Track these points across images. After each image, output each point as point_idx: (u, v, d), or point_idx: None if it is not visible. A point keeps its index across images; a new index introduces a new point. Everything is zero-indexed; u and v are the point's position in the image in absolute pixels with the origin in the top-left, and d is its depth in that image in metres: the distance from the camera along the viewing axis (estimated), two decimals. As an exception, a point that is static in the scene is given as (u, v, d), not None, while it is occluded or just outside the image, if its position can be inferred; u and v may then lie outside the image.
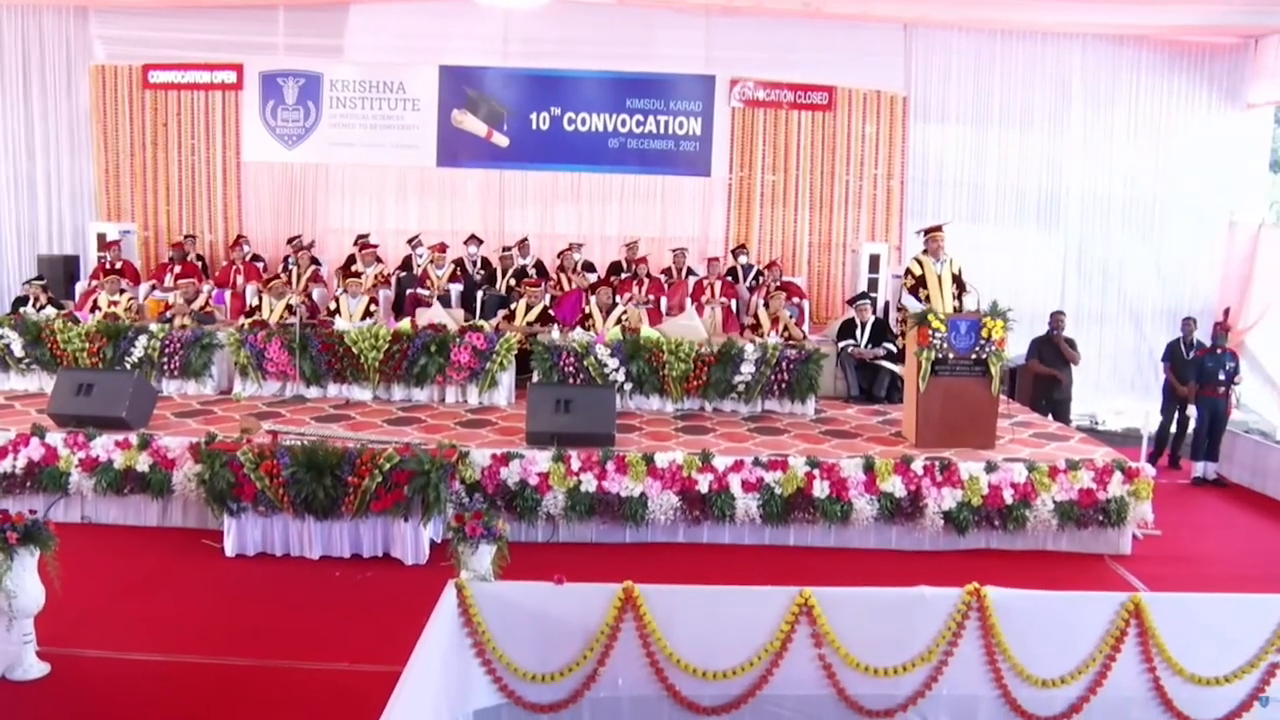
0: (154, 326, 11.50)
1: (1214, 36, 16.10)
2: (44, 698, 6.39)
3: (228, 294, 14.07)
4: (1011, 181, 16.59)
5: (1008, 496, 9.19)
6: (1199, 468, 12.38)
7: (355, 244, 15.04)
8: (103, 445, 9.31)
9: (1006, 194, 16.61)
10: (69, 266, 15.55)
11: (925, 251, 10.82)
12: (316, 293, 13.77)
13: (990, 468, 9.27)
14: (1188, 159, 16.46)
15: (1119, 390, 16.28)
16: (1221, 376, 12.32)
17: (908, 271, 10.96)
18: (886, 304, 14.54)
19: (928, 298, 10.52)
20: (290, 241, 15.41)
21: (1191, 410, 12.74)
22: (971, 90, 16.43)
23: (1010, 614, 6.16)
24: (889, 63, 16.33)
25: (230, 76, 16.50)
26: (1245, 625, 6.32)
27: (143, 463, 9.22)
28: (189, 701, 6.33)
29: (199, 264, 15.23)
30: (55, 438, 9.37)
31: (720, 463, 9.17)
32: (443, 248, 14.89)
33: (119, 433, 9.41)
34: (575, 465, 9.07)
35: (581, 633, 6.14)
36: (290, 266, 14.42)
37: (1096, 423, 15.59)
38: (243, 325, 11.76)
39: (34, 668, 6.58)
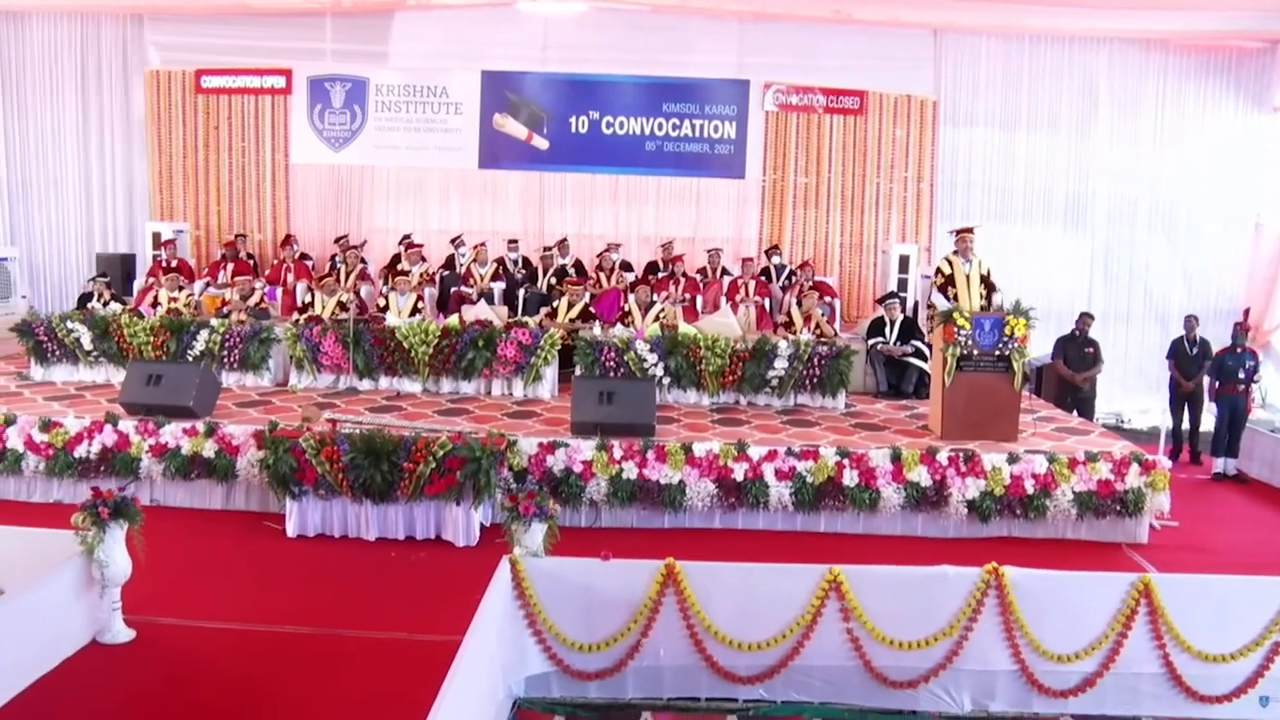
0: (214, 321, 12.08)
1: (1240, 41, 16.33)
2: (132, 660, 6.95)
3: (279, 291, 14.62)
4: (1039, 184, 16.88)
5: (1029, 486, 9.61)
6: (1219, 463, 12.70)
7: (400, 243, 15.54)
8: (171, 432, 9.88)
9: (1034, 196, 16.91)
10: (126, 265, 16.15)
11: (955, 252, 11.23)
12: (364, 290, 14.29)
13: (1012, 459, 9.69)
14: (1214, 162, 16.69)
15: (1144, 390, 16.50)
16: (1241, 375, 12.66)
17: (938, 270, 11.36)
18: (915, 303, 14.88)
19: (955, 296, 10.93)
20: (337, 241, 15.92)
21: (1209, 406, 13.11)
22: (1000, 94, 16.73)
23: (1027, 592, 6.57)
24: (919, 67, 16.69)
25: (279, 81, 17.04)
26: (1251, 605, 6.70)
27: (209, 449, 9.79)
28: (261, 665, 6.87)
29: (250, 262, 15.79)
30: (127, 425, 9.96)
31: (755, 452, 9.63)
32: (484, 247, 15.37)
33: (186, 421, 9.98)
34: (617, 454, 9.59)
35: (626, 606, 6.60)
36: (338, 265, 14.93)
37: (1122, 421, 15.86)
38: (297, 320, 12.31)
39: (122, 633, 7.15)
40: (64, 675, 6.68)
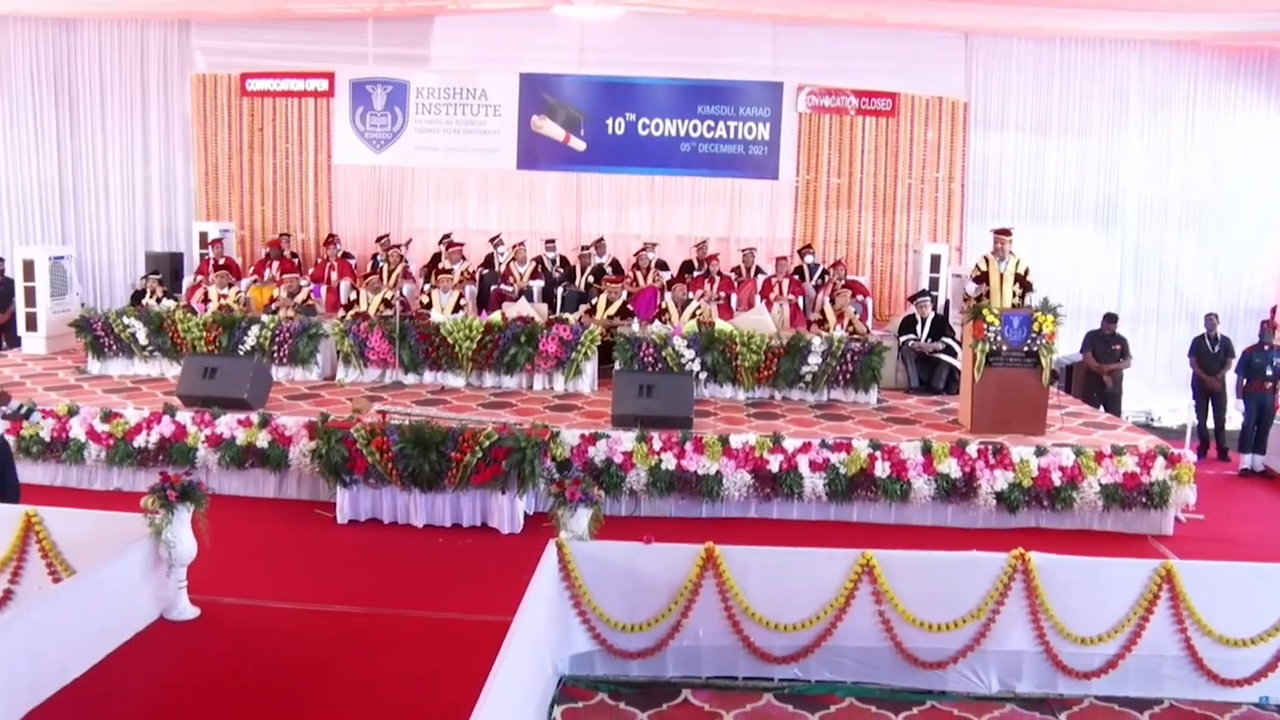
0: (265, 317, 12.48)
1: (1272, 42, 16.41)
2: (197, 635, 7.34)
3: (323, 289, 15.00)
4: (1069, 184, 17.04)
5: (1056, 479, 9.86)
6: (1246, 459, 12.86)
7: (440, 242, 15.89)
8: (226, 423, 10.26)
9: (1064, 196, 17.07)
10: (175, 263, 16.55)
11: (994, 251, 11.50)
12: (406, 288, 14.64)
13: (1040, 452, 9.94)
14: (1244, 162, 16.82)
15: (1174, 389, 16.59)
16: (1269, 372, 12.83)
17: (976, 266, 11.74)
18: (946, 301, 15.11)
19: (988, 293, 11.21)
20: (379, 240, 16.28)
21: (1233, 403, 13.31)
22: (1031, 96, 16.91)
23: (1052, 577, 6.83)
24: (950, 69, 16.89)
25: (322, 84, 17.43)
26: (1271, 592, 6.91)
27: (262, 439, 10.17)
28: (319, 642, 7.24)
29: (294, 261, 16.19)
30: (184, 416, 10.36)
31: (790, 444, 9.93)
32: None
33: (240, 412, 10.36)
34: (657, 445, 9.90)
35: (667, 588, 6.91)
36: (380, 264, 15.30)
37: (1152, 420, 16.00)
38: (344, 317, 12.70)
39: (187, 610, 7.53)
40: (134, 649, 7.06)
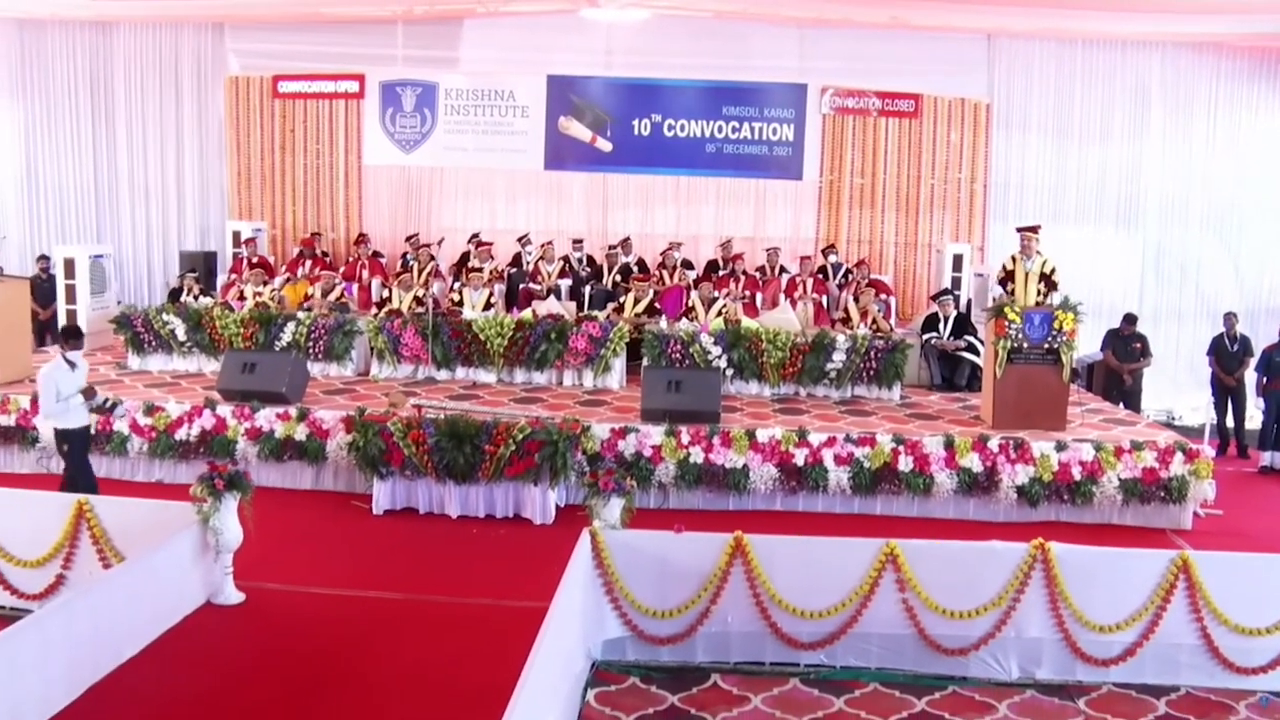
0: (300, 314, 12.77)
1: (1294, 43, 16.50)
2: (243, 619, 7.63)
3: (355, 287, 15.28)
4: (1091, 184, 17.09)
5: (1076, 473, 10.06)
6: (1266, 457, 12.97)
7: (469, 242, 16.15)
8: (265, 417, 10.57)
9: (1086, 196, 17.12)
10: (208, 261, 16.87)
11: (1020, 249, 11.72)
12: (436, 287, 14.90)
13: (1060, 447, 10.14)
14: (1267, 163, 16.84)
15: (1195, 387, 16.62)
16: (1290, 371, 12.99)
17: (1002, 265, 11.93)
18: (969, 300, 15.26)
19: (1013, 291, 11.41)
20: (409, 239, 16.55)
21: (1253, 401, 13.44)
22: (1052, 97, 16.98)
23: (1071, 567, 7.02)
24: (973, 71, 16.98)
25: (353, 86, 17.70)
26: (1286, 582, 7.08)
27: (300, 433, 10.47)
28: (360, 626, 7.52)
29: (325, 259, 16.48)
30: (224, 410, 10.66)
31: (815, 439, 10.17)
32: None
33: (279, 406, 10.65)
34: (685, 439, 10.15)
35: (696, 576, 7.13)
36: (410, 263, 15.56)
37: (1173, 418, 16.05)
38: (377, 314, 12.97)
39: (233, 595, 7.82)
40: (182, 632, 7.35)
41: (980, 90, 17.03)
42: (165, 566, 7.37)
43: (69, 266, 14.18)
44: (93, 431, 9.56)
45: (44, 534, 7.67)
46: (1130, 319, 14.14)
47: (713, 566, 7.10)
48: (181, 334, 12.82)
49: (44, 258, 15.47)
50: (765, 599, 7.08)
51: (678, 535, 7.22)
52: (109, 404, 9.16)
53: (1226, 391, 13.69)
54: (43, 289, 14.59)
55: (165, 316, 12.85)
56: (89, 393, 8.67)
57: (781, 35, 16.98)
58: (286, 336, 12.60)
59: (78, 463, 8.83)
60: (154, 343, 12.93)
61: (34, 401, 10.81)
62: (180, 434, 10.59)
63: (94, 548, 7.64)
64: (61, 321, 14.30)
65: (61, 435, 8.68)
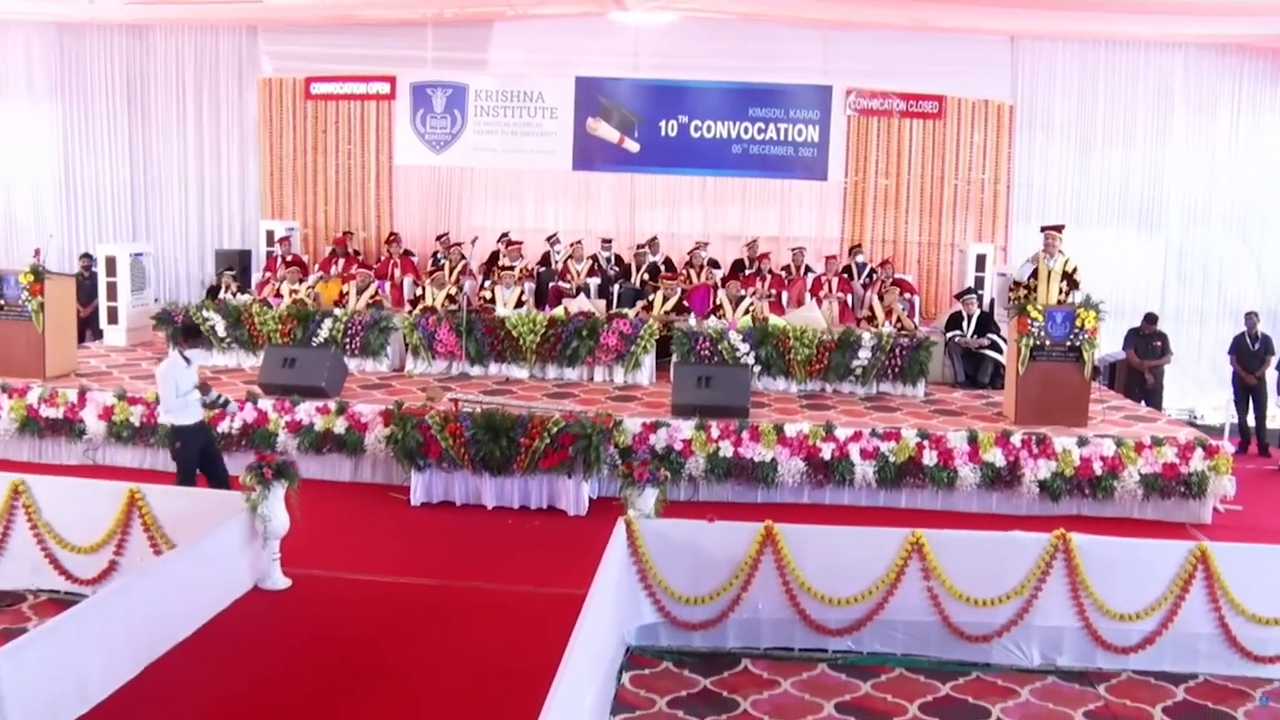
0: (338, 311, 13.07)
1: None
2: (289, 604, 7.92)
3: (387, 285, 15.56)
4: (1114, 185, 17.21)
5: (1097, 468, 10.25)
6: (1286, 455, 13.19)
7: (499, 241, 16.42)
8: (306, 410, 10.85)
9: (1109, 197, 17.23)
10: (243, 260, 17.17)
11: (1044, 248, 11.91)
12: (466, 285, 15.17)
13: (1082, 442, 10.34)
14: (1289, 162, 16.97)
15: (1217, 386, 16.69)
16: (1312, 370, 13.15)
17: (1029, 259, 12.20)
18: (992, 300, 15.41)
19: (1035, 288, 11.62)
20: (439, 238, 16.83)
21: (1273, 400, 13.59)
22: (1076, 98, 17.09)
23: (1092, 557, 7.22)
24: (996, 73, 17.13)
25: (384, 87, 17.98)
26: (1302, 572, 7.25)
27: (339, 426, 10.75)
28: (403, 611, 7.79)
29: (358, 258, 16.77)
30: (266, 404, 10.94)
31: (841, 433, 10.41)
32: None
33: (319, 400, 10.93)
34: (715, 433, 10.41)
35: (728, 564, 7.36)
36: (441, 261, 15.84)
37: (1195, 418, 16.15)
38: (411, 311, 13.26)
39: (280, 580, 8.11)
40: (233, 615, 7.64)
41: (1003, 92, 17.17)
42: (216, 552, 7.65)
43: (110, 264, 14.50)
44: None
45: (97, 521, 7.94)
46: (1151, 318, 14.30)
47: (744, 555, 7.32)
48: (221, 330, 13.13)
49: (86, 256, 15.81)
50: (794, 587, 7.30)
51: (710, 525, 7.46)
52: (222, 400, 9.36)
53: (1247, 390, 13.84)
54: (84, 286, 14.90)
55: (205, 313, 13.16)
56: (204, 388, 8.87)
57: (806, 37, 17.15)
58: (324, 332, 12.88)
59: (186, 457, 8.91)
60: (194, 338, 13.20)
61: (82, 395, 11.17)
62: (223, 427, 10.87)
63: (145, 535, 7.91)
64: (102, 318, 14.66)
65: (176, 431, 8.82)
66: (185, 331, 9.43)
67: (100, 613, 6.35)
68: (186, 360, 8.84)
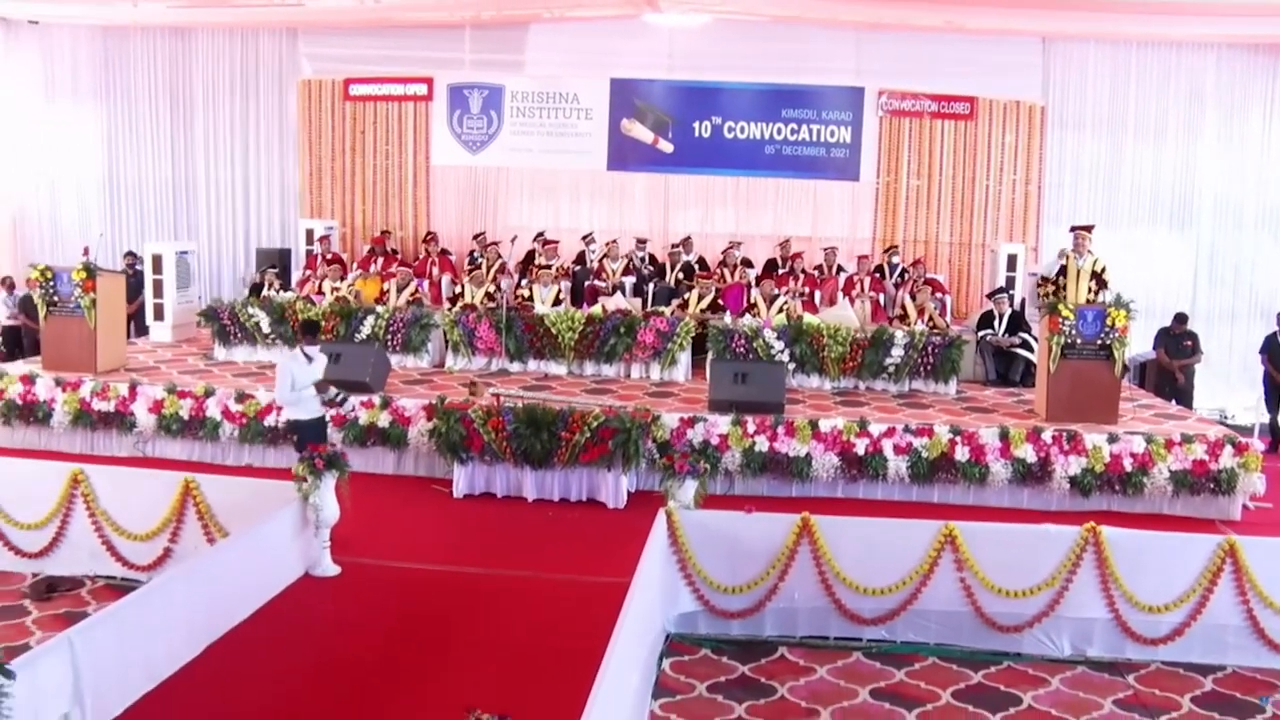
0: (379, 308, 13.34)
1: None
2: (340, 590, 8.22)
3: (425, 283, 15.82)
4: (1145, 185, 17.24)
5: (1128, 465, 10.40)
6: (1317, 454, 13.24)
7: (535, 240, 16.66)
8: (351, 405, 11.08)
9: (1140, 197, 17.26)
10: (283, 258, 17.46)
11: (1073, 248, 12.02)
12: (503, 283, 15.41)
13: (1112, 439, 10.49)
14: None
15: (1248, 386, 16.69)
16: (1345, 369, 13.21)
17: (1058, 258, 12.37)
18: (1023, 300, 15.51)
19: (1064, 286, 11.77)
20: (476, 237, 17.08)
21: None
22: (1107, 99, 17.13)
23: (1122, 549, 7.40)
24: (1028, 74, 17.18)
25: (421, 89, 18.22)
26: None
27: (384, 420, 11.02)
28: (450, 598, 8.07)
29: (396, 257, 17.05)
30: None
31: (875, 429, 10.61)
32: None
33: (363, 394, 11.19)
34: (751, 429, 10.63)
35: (765, 554, 7.58)
36: (479, 260, 16.08)
37: (1226, 418, 16.18)
38: (451, 309, 13.52)
39: (330, 568, 8.39)
40: (284, 601, 7.91)
41: (1035, 93, 17.23)
42: (270, 539, 7.93)
43: (157, 262, 14.80)
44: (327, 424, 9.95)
45: (153, 509, 8.24)
46: (1181, 318, 14.38)
47: (781, 546, 7.54)
48: (266, 326, 13.40)
49: (131, 254, 16.14)
50: (830, 577, 7.51)
51: (748, 516, 7.68)
52: (340, 399, 9.49)
53: (1278, 390, 13.91)
54: (129, 284, 15.21)
55: (250, 309, 13.46)
56: (322, 386, 9.04)
57: (839, 39, 17.26)
58: (366, 329, 13.14)
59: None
60: (239, 334, 13.53)
61: (132, 389, 11.48)
62: (269, 420, 11.17)
63: (199, 523, 8.19)
64: (148, 314, 14.98)
65: (292, 425, 9.03)
66: (305, 328, 9.58)
67: (164, 595, 6.64)
68: (308, 358, 9.02)
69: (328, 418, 9.81)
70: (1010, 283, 15.75)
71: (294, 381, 8.89)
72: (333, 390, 9.17)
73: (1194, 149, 17.16)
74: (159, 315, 14.91)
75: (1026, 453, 10.45)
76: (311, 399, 9.01)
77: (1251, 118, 17.06)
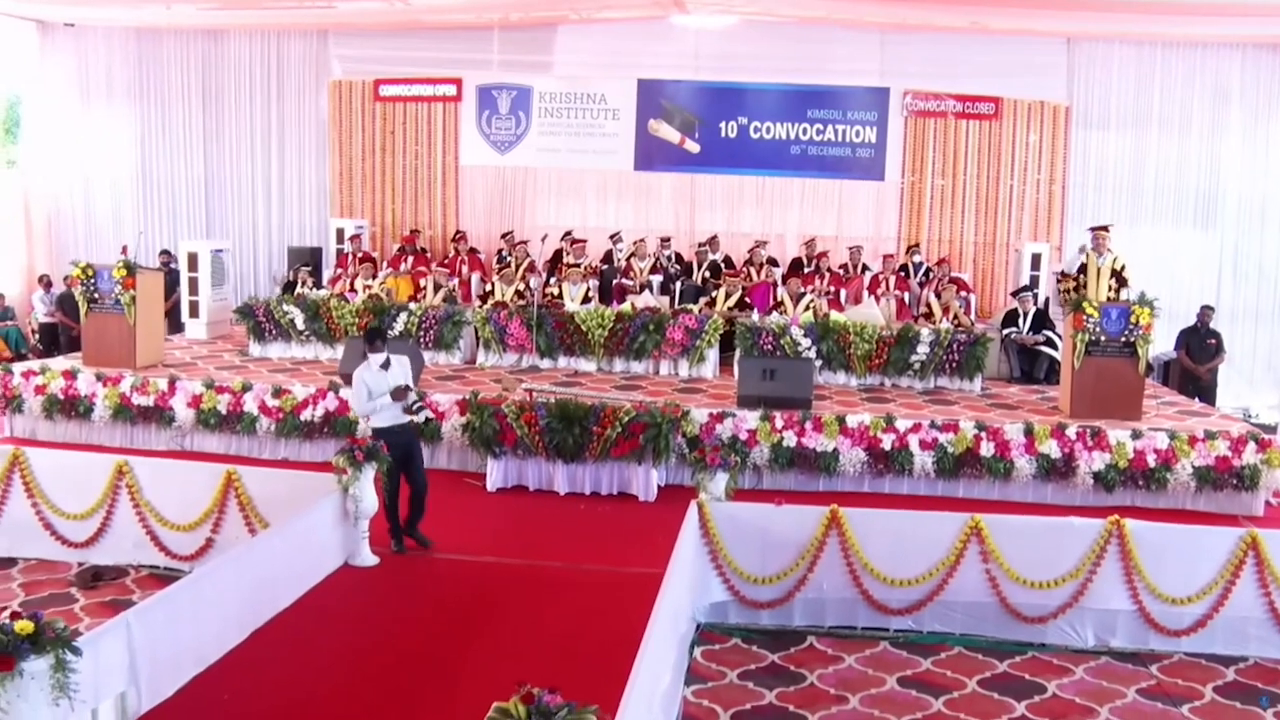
0: (412, 305, 13.58)
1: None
2: (377, 580, 8.43)
3: (455, 281, 16.03)
4: (1169, 184, 17.27)
5: (1151, 460, 10.52)
6: (1341, 451, 13.28)
7: (562, 239, 16.85)
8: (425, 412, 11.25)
9: (1164, 196, 17.30)
10: (314, 257, 17.68)
11: (1093, 247, 12.15)
12: (532, 281, 15.60)
13: (1136, 435, 10.61)
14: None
15: (1272, 385, 16.84)
16: (1364, 367, 13.28)
17: (1079, 254, 12.49)
18: (1047, 299, 15.61)
19: (1085, 284, 11.89)
20: (504, 236, 17.29)
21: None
22: (1132, 99, 17.17)
23: (1145, 542, 7.51)
24: (1052, 74, 17.25)
25: (450, 90, 18.45)
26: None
27: (419, 415, 11.16)
28: (486, 587, 8.27)
29: (425, 255, 17.27)
30: (348, 392, 11.37)
31: (901, 425, 10.77)
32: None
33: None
34: (779, 424, 10.80)
35: (795, 545, 7.73)
36: (507, 259, 16.28)
37: (1250, 416, 16.18)
38: (482, 306, 13.73)
39: (369, 557, 8.60)
40: (325, 590, 8.12)
41: (1059, 93, 17.29)
42: (311, 530, 8.13)
43: (192, 260, 15.08)
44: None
45: (195, 501, 8.44)
46: (1207, 309, 14.40)
47: (810, 537, 7.68)
48: (300, 323, 13.65)
49: (166, 252, 16.40)
50: (858, 568, 7.65)
51: (777, 508, 7.83)
52: (417, 406, 9.08)
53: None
54: (165, 281, 15.47)
55: (285, 307, 13.71)
56: (398, 393, 8.71)
57: (864, 40, 17.38)
58: (399, 326, 13.36)
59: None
60: (274, 331, 13.78)
61: (171, 384, 11.71)
62: (305, 415, 11.40)
63: (240, 514, 8.39)
64: (184, 311, 15.24)
65: (375, 433, 8.87)
66: (368, 336, 9.06)
67: (213, 582, 6.85)
68: (383, 366, 8.72)
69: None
70: (1034, 281, 15.81)
71: (369, 390, 8.69)
72: (411, 397, 8.85)
73: (1218, 148, 17.15)
74: (194, 312, 15.18)
75: (1051, 448, 10.58)
76: (389, 407, 8.73)
77: (1277, 116, 17.04)
